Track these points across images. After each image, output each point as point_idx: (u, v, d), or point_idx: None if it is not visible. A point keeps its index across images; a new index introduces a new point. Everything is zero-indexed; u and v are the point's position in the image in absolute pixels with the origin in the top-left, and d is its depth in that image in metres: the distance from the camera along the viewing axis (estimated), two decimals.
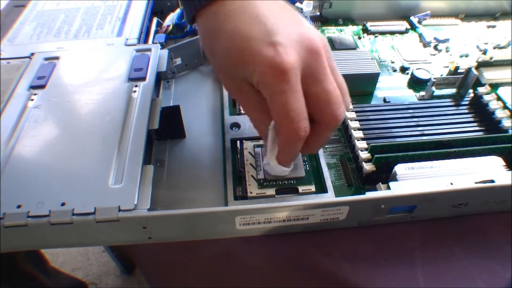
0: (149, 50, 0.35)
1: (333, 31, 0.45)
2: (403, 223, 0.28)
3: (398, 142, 0.30)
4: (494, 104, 0.33)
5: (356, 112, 0.33)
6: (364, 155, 0.29)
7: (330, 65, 0.23)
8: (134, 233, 0.25)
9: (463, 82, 0.36)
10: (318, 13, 0.46)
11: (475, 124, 0.32)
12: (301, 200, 0.27)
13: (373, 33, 0.45)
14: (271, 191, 0.27)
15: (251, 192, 0.27)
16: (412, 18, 0.46)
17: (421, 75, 0.38)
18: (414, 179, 0.26)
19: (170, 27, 0.42)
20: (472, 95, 0.35)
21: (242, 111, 0.34)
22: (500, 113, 0.32)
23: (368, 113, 0.33)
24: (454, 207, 0.27)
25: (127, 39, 0.37)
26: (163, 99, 0.35)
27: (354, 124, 0.32)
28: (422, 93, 0.37)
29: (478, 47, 0.42)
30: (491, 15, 0.47)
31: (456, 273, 0.26)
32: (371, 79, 0.37)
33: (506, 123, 0.31)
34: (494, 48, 0.42)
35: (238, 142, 0.31)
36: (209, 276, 0.34)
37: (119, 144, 0.27)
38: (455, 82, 0.36)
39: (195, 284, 0.34)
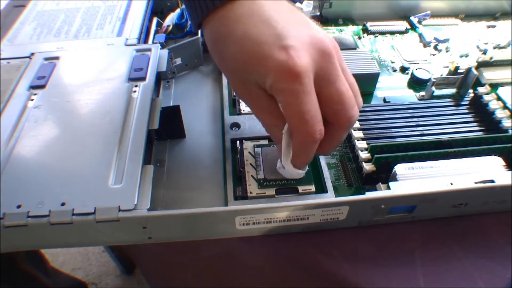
0: (149, 50, 0.35)
1: (333, 31, 0.45)
2: (403, 223, 0.28)
3: (398, 142, 0.30)
4: (494, 104, 0.33)
5: None
6: (364, 155, 0.29)
7: (342, 66, 0.23)
8: (134, 233, 0.25)
9: (463, 82, 0.36)
10: (318, 13, 0.46)
11: (475, 124, 0.32)
12: (301, 200, 0.27)
13: (373, 33, 0.45)
14: (271, 191, 0.27)
15: (251, 192, 0.27)
16: (412, 18, 0.46)
17: (421, 75, 0.38)
18: (414, 179, 0.26)
19: (170, 27, 0.42)
20: (472, 95, 0.35)
21: (242, 111, 0.34)
22: (500, 113, 0.32)
23: (368, 113, 0.33)
24: (454, 207, 0.27)
25: (127, 39, 0.37)
26: (163, 99, 0.35)
27: (354, 124, 0.32)
28: (422, 93, 0.37)
29: (478, 47, 0.42)
30: (491, 15, 0.47)
31: (456, 273, 0.26)
32: (371, 79, 0.37)
33: (506, 123, 0.31)
34: (494, 48, 0.42)
35: (238, 142, 0.31)
36: (209, 276, 0.33)
37: (119, 144, 0.27)
38: (455, 82, 0.36)
39: (195, 284, 0.34)
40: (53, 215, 0.23)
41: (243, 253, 0.29)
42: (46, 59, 0.35)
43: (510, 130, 0.31)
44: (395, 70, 0.40)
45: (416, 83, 0.38)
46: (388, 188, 0.26)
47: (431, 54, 0.42)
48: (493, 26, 0.45)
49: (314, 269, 0.27)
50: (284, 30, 0.21)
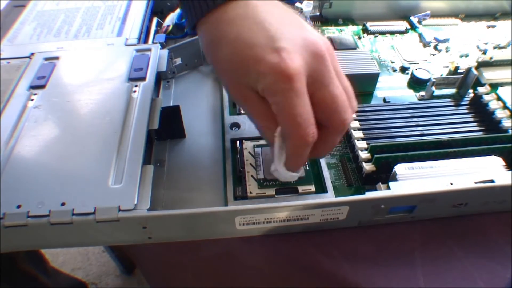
0: (149, 50, 0.35)
1: (333, 31, 0.45)
2: (403, 223, 0.28)
3: (398, 142, 0.30)
4: (494, 104, 0.33)
5: (356, 112, 0.33)
6: (364, 155, 0.29)
7: (336, 69, 0.23)
8: (134, 233, 0.25)
9: (463, 82, 0.36)
10: (318, 13, 0.46)
11: (475, 124, 0.32)
12: (301, 200, 0.27)
13: (373, 33, 0.45)
14: (271, 191, 0.27)
15: (251, 192, 0.27)
16: (412, 18, 0.46)
17: (421, 75, 0.38)
18: (414, 179, 0.26)
19: (170, 27, 0.42)
20: (472, 95, 0.35)
21: (242, 111, 0.34)
22: (500, 113, 0.32)
23: (368, 113, 0.33)
24: (454, 207, 0.27)
25: (127, 39, 0.37)
26: (163, 99, 0.35)
27: (354, 124, 0.32)
28: (422, 93, 0.37)
29: (478, 47, 0.42)
30: (491, 15, 0.47)
31: (456, 273, 0.26)
32: (371, 79, 0.37)
33: (506, 123, 0.31)
34: (494, 48, 0.42)
35: (238, 142, 0.31)
36: (209, 276, 0.33)
37: (119, 144, 0.27)
38: (455, 82, 0.36)
39: (195, 284, 0.34)
40: (53, 215, 0.23)
41: (243, 253, 0.29)
42: (46, 59, 0.35)
43: (510, 130, 0.31)
44: (395, 70, 0.40)
45: (416, 83, 0.38)
46: (388, 188, 0.26)
47: (431, 54, 0.42)
48: (493, 26, 0.45)
49: (314, 269, 0.27)
50: (277, 32, 0.21)
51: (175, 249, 0.31)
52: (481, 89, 0.35)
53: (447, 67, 0.40)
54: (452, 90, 0.37)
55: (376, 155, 0.28)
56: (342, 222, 0.27)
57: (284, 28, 0.22)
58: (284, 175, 0.25)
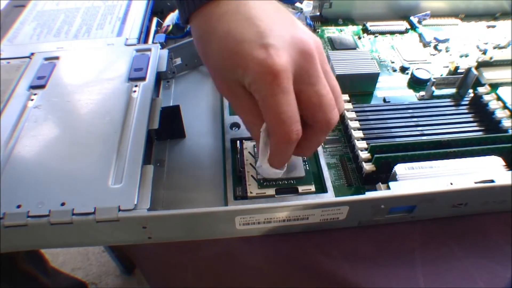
0: (149, 50, 0.35)
1: (333, 31, 0.45)
2: (403, 223, 0.28)
3: (398, 142, 0.30)
4: (494, 104, 0.33)
5: (356, 112, 0.33)
6: (364, 155, 0.29)
7: (324, 68, 0.23)
8: (134, 233, 0.25)
9: (463, 82, 0.36)
10: (318, 13, 0.46)
11: (475, 124, 0.32)
12: (301, 200, 0.27)
13: (373, 33, 0.45)
14: (271, 191, 0.27)
15: (251, 192, 0.27)
16: (412, 18, 0.46)
17: (421, 75, 0.38)
18: (414, 179, 0.26)
19: (170, 27, 0.42)
20: (472, 95, 0.35)
21: None
22: (500, 113, 0.32)
23: (368, 113, 0.33)
24: (454, 207, 0.27)
25: (127, 39, 0.37)
26: (163, 99, 0.35)
27: (354, 124, 0.32)
28: (422, 93, 0.37)
29: (478, 47, 0.42)
30: (491, 15, 0.47)
31: (456, 273, 0.26)
32: (371, 79, 0.37)
33: (506, 123, 0.31)
34: (494, 48, 0.42)
35: (238, 142, 0.31)
36: (209, 276, 0.34)
37: (119, 144, 0.27)
38: (455, 82, 0.36)
39: (195, 284, 0.34)
40: (53, 215, 0.23)
41: (243, 253, 0.29)
42: (46, 59, 0.35)
43: (510, 130, 0.31)
44: (395, 70, 0.40)
45: (416, 83, 0.38)
46: (388, 188, 0.26)
47: (431, 54, 0.42)
48: (493, 26, 0.45)
49: (314, 269, 0.27)
50: (266, 28, 0.21)
51: (175, 249, 0.31)
52: (481, 89, 0.35)
53: (447, 67, 0.40)
54: (452, 90, 0.37)
55: (376, 155, 0.28)
56: (342, 222, 0.27)
57: (274, 25, 0.22)
58: (268, 171, 0.25)
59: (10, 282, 0.49)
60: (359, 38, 0.44)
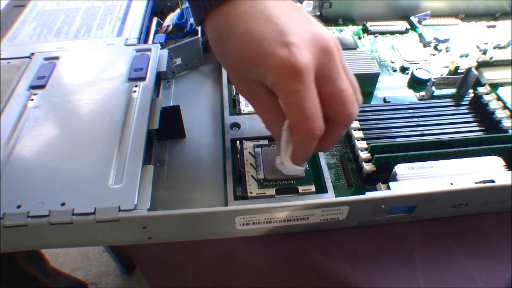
0: (149, 50, 0.35)
1: (333, 31, 0.45)
2: (403, 223, 0.28)
3: (398, 142, 0.30)
4: (494, 104, 0.33)
5: None
6: (364, 155, 0.29)
7: (342, 64, 0.23)
8: (134, 233, 0.25)
9: (463, 82, 0.36)
10: (318, 13, 0.46)
11: (475, 124, 0.32)
12: (301, 200, 0.27)
13: (373, 33, 0.45)
14: (271, 191, 0.27)
15: (251, 192, 0.27)
16: (412, 18, 0.46)
17: (421, 75, 0.38)
18: (414, 179, 0.26)
19: (170, 27, 0.42)
20: (472, 95, 0.35)
21: (242, 111, 0.34)
22: (500, 113, 0.32)
23: (368, 113, 0.33)
24: (454, 207, 0.27)
25: (127, 39, 0.37)
26: (163, 99, 0.35)
27: (354, 124, 0.32)
28: (422, 93, 0.37)
29: (478, 47, 0.42)
30: (491, 15, 0.47)
31: (456, 273, 0.26)
32: (371, 79, 0.37)
33: (506, 123, 0.31)
34: (494, 48, 0.42)
35: (238, 142, 0.31)
36: (209, 276, 0.34)
37: (119, 144, 0.27)
38: (455, 82, 0.36)
39: (195, 284, 0.34)
40: (53, 215, 0.23)
41: (243, 253, 0.29)
42: (46, 59, 0.35)
43: (510, 130, 0.31)
44: (395, 70, 0.40)
45: (416, 83, 0.38)
46: (388, 188, 0.26)
47: (431, 54, 0.42)
48: (493, 26, 0.45)
49: (314, 269, 0.27)
50: (285, 27, 0.21)
51: (175, 249, 0.31)
52: (481, 89, 0.35)
53: (447, 67, 0.40)
54: (452, 90, 0.37)
55: (376, 155, 0.28)
56: (342, 222, 0.27)
57: (293, 23, 0.22)
58: (290, 169, 0.25)
59: (10, 282, 0.49)
60: (359, 38, 0.44)
